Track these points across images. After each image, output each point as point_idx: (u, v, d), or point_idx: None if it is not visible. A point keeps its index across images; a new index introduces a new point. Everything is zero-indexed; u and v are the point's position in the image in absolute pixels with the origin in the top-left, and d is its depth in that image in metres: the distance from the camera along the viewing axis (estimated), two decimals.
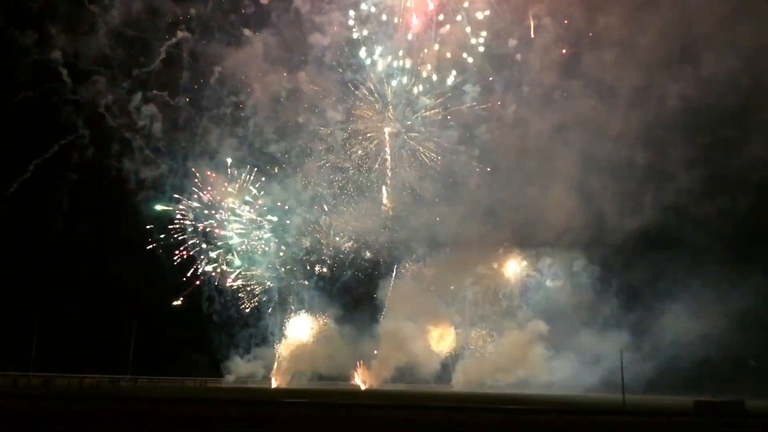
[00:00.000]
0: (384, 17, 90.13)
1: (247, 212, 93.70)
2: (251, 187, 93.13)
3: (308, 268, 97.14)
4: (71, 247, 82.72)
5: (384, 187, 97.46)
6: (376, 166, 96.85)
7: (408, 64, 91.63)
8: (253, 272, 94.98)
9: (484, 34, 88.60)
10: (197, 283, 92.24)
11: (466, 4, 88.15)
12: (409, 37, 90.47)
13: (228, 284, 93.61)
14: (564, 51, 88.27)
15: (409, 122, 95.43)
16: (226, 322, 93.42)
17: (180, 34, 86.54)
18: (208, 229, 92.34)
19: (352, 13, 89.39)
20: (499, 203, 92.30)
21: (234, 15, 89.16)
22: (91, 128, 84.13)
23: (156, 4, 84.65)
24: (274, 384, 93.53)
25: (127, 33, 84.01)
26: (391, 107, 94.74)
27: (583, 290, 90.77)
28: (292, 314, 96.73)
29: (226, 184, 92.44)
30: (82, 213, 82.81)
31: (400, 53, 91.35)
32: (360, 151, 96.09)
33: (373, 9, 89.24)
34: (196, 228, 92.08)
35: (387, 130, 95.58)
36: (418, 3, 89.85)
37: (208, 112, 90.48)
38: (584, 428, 34.57)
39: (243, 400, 52.95)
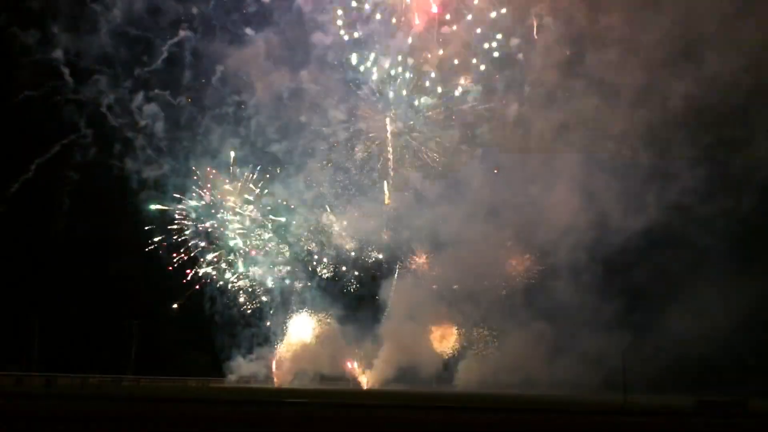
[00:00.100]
0: (386, 17, 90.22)
1: (248, 212, 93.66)
2: (252, 186, 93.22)
3: (310, 268, 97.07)
4: (73, 246, 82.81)
5: (386, 187, 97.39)
6: (378, 165, 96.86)
7: (410, 63, 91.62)
8: (255, 272, 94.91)
9: (498, 36, 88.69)
10: (197, 287, 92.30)
11: (475, 2, 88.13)
12: (409, 41, 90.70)
13: (229, 285, 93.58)
14: (567, 52, 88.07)
15: (411, 122, 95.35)
16: (228, 322, 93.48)
17: (182, 33, 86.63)
18: (209, 229, 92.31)
19: (354, 12, 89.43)
20: (502, 202, 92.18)
21: (236, 14, 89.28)
22: (93, 128, 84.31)
23: (158, 3, 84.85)
24: (275, 384, 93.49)
25: (129, 32, 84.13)
26: (392, 107, 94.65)
27: (586, 290, 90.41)
28: (294, 314, 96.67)
29: (227, 182, 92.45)
30: (84, 213, 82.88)
31: (403, 52, 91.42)
32: (362, 151, 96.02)
33: (375, 8, 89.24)
34: (197, 228, 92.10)
35: (389, 129, 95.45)
36: (421, 2, 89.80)
37: (210, 111, 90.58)
38: (586, 428, 34.40)
39: (245, 400, 52.85)
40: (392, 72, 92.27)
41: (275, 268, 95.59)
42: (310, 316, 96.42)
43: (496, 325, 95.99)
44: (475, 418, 39.05)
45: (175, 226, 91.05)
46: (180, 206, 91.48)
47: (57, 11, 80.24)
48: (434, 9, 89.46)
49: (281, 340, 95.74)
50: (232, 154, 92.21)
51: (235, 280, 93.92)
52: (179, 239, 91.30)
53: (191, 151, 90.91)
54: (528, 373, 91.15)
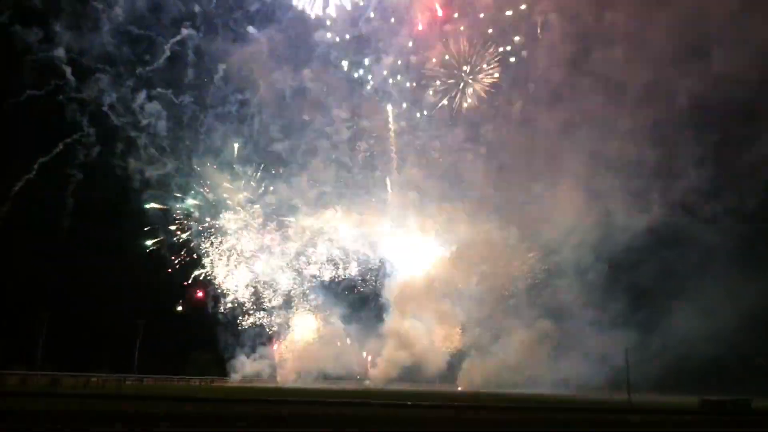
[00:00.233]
0: (389, 15, 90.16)
1: (251, 211, 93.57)
2: (253, 184, 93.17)
3: (312, 267, 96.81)
4: (77, 246, 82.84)
5: (389, 186, 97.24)
6: (382, 164, 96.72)
7: (413, 60, 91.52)
8: (258, 272, 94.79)
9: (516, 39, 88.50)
10: (200, 286, 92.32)
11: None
12: (410, 44, 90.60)
13: (233, 283, 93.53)
14: (572, 49, 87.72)
15: (415, 121, 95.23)
16: (231, 322, 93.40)
17: (184, 31, 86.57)
18: (212, 229, 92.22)
19: (357, 11, 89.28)
20: (506, 201, 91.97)
21: (238, 11, 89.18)
22: (95, 127, 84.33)
23: (160, 1, 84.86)
24: (279, 383, 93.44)
25: (131, 30, 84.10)
26: (395, 105, 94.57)
27: (591, 288, 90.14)
28: (298, 313, 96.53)
29: (230, 181, 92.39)
30: (88, 212, 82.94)
31: (406, 50, 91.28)
32: (365, 150, 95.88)
33: (379, 7, 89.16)
34: (201, 227, 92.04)
35: (392, 128, 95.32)
36: (424, 2, 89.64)
37: (213, 110, 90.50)
38: (590, 427, 34.19)
39: (250, 398, 52.69)
40: (395, 70, 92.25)
41: (278, 268, 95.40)
42: (314, 315, 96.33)
43: (500, 323, 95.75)
44: (479, 417, 38.82)
45: (178, 225, 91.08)
46: (183, 205, 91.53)
47: (59, 10, 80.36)
48: (439, 13, 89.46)
49: (285, 340, 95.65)
50: (236, 146, 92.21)
51: (238, 280, 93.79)
52: (183, 238, 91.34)
53: (194, 150, 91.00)
54: (531, 372, 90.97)
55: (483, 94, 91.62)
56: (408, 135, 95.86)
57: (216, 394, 60.68)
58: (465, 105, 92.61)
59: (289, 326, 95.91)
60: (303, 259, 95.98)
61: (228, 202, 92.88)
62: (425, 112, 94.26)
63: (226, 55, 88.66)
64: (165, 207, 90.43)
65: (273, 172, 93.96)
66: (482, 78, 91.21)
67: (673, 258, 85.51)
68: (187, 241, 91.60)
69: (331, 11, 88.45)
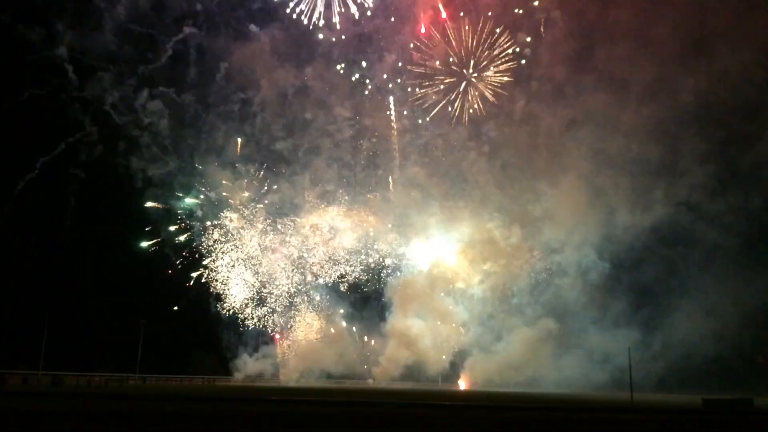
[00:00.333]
0: (392, 14, 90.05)
1: (253, 210, 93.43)
2: (255, 183, 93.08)
3: (315, 266, 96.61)
4: (80, 245, 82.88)
5: (392, 184, 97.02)
6: (385, 162, 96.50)
7: (416, 58, 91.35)
8: (260, 271, 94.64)
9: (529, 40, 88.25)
10: (203, 286, 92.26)
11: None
12: (411, 45, 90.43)
13: (235, 282, 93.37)
14: (575, 46, 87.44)
15: (418, 120, 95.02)
16: (233, 321, 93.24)
17: (186, 29, 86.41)
18: (215, 228, 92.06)
19: (360, 10, 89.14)
20: (509, 199, 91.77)
21: (241, 10, 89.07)
22: (98, 125, 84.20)
23: (162, 0, 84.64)
24: (281, 382, 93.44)
25: (134, 29, 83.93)
26: (398, 104, 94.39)
27: (593, 288, 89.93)
28: (301, 313, 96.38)
29: (231, 179, 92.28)
30: (91, 211, 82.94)
31: (409, 50, 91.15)
32: (368, 148, 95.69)
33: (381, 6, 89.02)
34: (203, 226, 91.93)
35: (395, 126, 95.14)
36: (427, 2, 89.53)
37: (215, 108, 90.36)
38: (592, 426, 34.01)
39: (252, 398, 52.69)
40: (397, 69, 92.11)
41: (281, 267, 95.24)
42: (316, 314, 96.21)
43: (502, 322, 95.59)
44: (482, 416, 38.71)
45: (180, 225, 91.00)
46: (185, 204, 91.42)
47: (61, 9, 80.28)
48: (443, 15, 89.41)
49: (288, 339, 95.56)
50: (239, 140, 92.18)
51: (240, 279, 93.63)
52: (185, 238, 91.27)
53: (196, 149, 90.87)
54: (534, 371, 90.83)
55: (488, 94, 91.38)
56: (411, 133, 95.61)
57: (219, 393, 60.70)
58: (467, 107, 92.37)
59: (291, 326, 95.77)
60: (305, 258, 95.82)
61: (230, 201, 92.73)
62: (428, 118, 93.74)
63: (228, 53, 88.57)
64: (167, 206, 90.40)
65: (275, 170, 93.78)
66: (489, 77, 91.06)
67: (675, 257, 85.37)
68: (190, 240, 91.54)
69: (333, 12, 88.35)
